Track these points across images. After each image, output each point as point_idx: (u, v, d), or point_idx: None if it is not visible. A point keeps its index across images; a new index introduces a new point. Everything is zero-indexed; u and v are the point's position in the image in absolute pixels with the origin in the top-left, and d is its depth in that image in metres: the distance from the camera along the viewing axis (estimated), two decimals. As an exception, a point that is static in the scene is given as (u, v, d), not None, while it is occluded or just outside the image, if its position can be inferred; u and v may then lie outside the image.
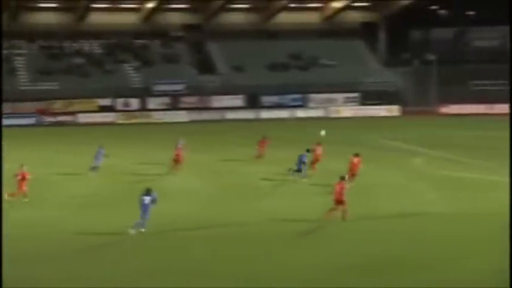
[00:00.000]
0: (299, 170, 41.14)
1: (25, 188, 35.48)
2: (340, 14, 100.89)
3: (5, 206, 32.17)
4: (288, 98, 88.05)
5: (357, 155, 39.91)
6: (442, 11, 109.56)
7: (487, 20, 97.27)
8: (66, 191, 38.84)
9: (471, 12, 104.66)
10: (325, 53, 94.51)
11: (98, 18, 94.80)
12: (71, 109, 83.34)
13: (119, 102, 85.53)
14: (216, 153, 53.25)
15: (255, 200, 36.70)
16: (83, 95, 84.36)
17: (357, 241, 28.36)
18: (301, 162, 41.16)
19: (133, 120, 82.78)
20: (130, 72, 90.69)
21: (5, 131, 56.37)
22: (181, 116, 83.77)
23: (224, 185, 40.79)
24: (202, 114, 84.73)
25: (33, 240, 28.39)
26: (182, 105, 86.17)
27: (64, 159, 50.74)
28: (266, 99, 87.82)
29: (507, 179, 40.92)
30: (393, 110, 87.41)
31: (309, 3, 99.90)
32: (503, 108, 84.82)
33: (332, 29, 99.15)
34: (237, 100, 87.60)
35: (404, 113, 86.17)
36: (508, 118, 64.82)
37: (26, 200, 35.24)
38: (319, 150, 43.19)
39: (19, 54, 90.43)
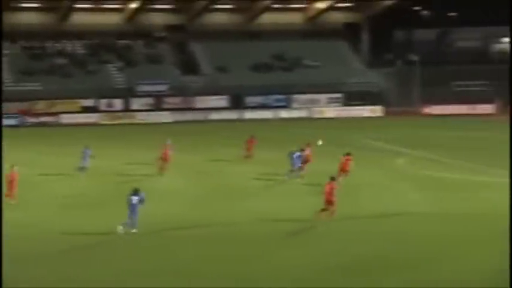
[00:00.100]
0: (294, 169, 41.59)
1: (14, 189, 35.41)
2: (323, 14, 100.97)
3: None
4: (271, 99, 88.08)
5: (348, 154, 40.90)
6: (425, 12, 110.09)
7: (470, 21, 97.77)
8: (50, 192, 38.75)
9: (454, 13, 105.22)
10: (309, 53, 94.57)
11: (80, 19, 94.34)
12: (53, 110, 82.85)
13: (102, 103, 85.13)
14: (201, 154, 53.24)
15: (243, 200, 36.77)
16: (65, 95, 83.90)
17: (344, 241, 28.51)
18: (295, 161, 41.57)
19: (117, 121, 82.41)
20: (114, 73, 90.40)
21: (-13, 132, 56.08)
22: (165, 117, 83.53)
23: (212, 185, 40.81)
24: (186, 114, 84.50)
25: (20, 241, 28.21)
26: (166, 106, 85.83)
27: (47, 160, 50.51)
28: (250, 100, 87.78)
29: (493, 179, 41.27)
30: (376, 111, 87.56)
31: (292, 3, 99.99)
32: (486, 108, 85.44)
33: (315, 30, 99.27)
34: (221, 101, 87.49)
35: (387, 113, 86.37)
36: (489, 118, 65.23)
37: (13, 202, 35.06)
38: (309, 151, 43.39)
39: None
